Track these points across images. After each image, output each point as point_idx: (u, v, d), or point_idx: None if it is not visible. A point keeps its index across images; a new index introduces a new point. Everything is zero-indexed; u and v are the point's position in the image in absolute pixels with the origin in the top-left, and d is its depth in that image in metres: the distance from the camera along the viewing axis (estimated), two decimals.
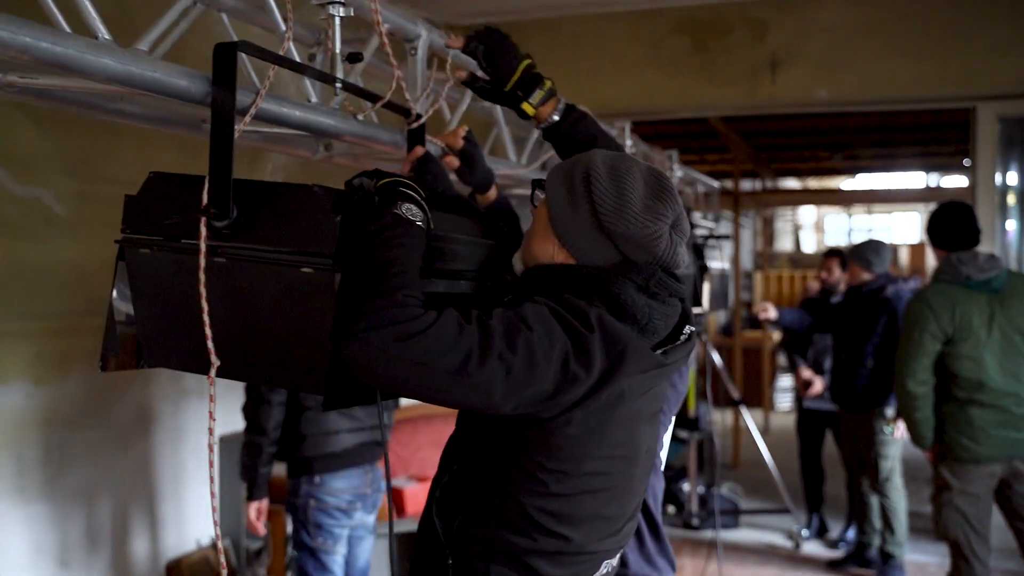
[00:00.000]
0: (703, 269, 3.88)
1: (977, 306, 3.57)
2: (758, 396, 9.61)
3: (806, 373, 5.66)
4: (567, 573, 1.50)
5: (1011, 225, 5.78)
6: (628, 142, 3.79)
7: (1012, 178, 5.77)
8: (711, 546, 5.80)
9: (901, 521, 4.97)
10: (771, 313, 5.71)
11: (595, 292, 1.45)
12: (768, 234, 15.02)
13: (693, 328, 1.59)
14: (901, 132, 7.78)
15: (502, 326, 1.35)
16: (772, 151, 9.08)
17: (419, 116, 1.93)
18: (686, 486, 6.15)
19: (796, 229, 17.16)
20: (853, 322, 5.04)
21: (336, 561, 3.19)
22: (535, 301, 1.43)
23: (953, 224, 3.72)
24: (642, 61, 5.79)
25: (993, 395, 3.55)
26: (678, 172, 4.29)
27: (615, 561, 1.60)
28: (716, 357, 5.52)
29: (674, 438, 7.00)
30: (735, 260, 8.34)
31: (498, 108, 2.91)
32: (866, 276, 5.06)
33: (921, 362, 3.57)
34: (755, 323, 10.44)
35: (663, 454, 1.91)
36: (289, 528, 3.21)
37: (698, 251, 3.95)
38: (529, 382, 1.35)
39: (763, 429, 9.35)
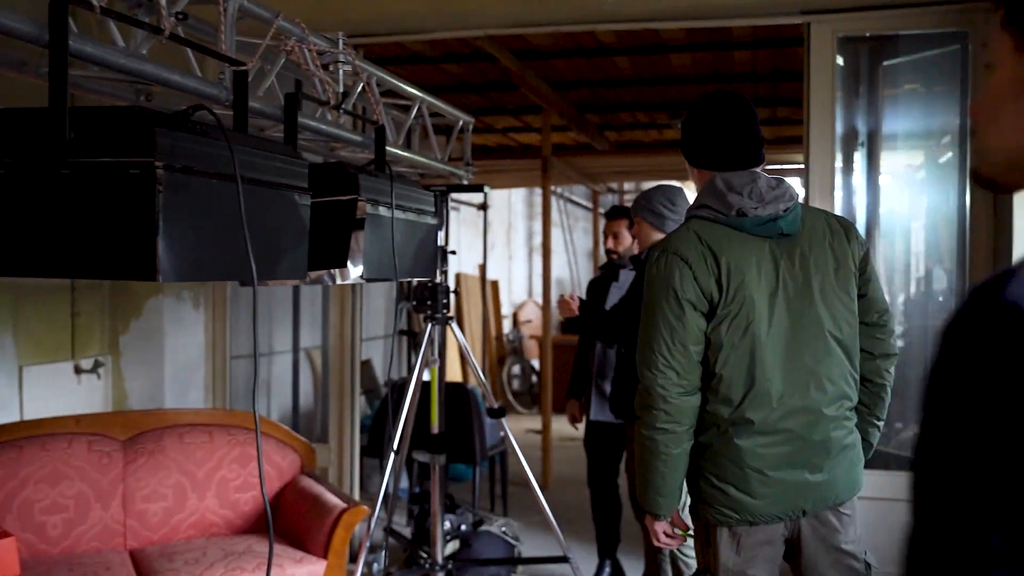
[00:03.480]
0: (342, 208, 2.39)
1: (756, 259, 2.20)
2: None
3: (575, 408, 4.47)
4: None
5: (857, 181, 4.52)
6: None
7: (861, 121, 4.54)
8: None
9: None
10: (575, 306, 4.27)
11: None
12: None
13: None
14: (740, 81, 6.49)
15: None
16: (600, 112, 7.72)
17: None
18: (449, 523, 4.70)
19: None
20: (636, 304, 3.67)
21: None
22: None
23: (718, 127, 2.33)
24: None
25: (774, 411, 2.17)
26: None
27: None
28: (471, 356, 4.07)
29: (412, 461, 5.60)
30: (545, 236, 6.94)
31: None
32: (656, 237, 3.70)
33: (683, 349, 2.17)
34: None
35: None
36: None
37: (345, 180, 2.46)
38: None
39: None
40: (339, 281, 3.11)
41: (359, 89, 2.93)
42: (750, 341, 2.15)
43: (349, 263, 2.87)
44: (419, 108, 3.59)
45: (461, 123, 3.94)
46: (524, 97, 6.88)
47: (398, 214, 2.68)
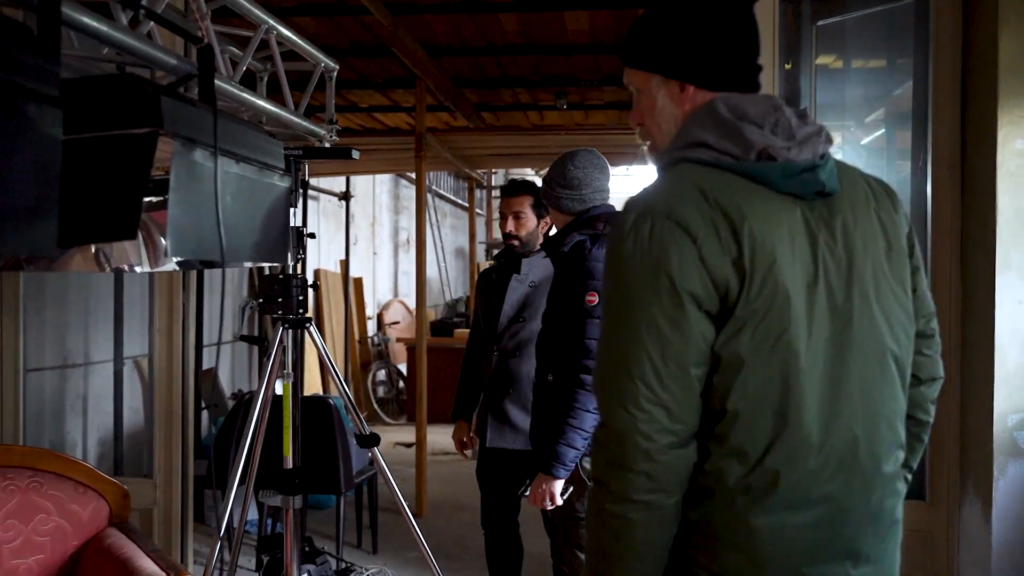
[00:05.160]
0: (131, 147, 1.49)
1: (788, 230, 1.41)
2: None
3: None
4: None
5: None
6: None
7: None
8: None
9: None
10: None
11: None
12: None
13: None
14: None
15: None
16: (479, 88, 6.89)
17: None
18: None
19: None
20: (552, 303, 2.89)
21: None
22: None
23: (722, 21, 1.50)
24: None
25: (811, 470, 1.39)
26: None
27: None
28: (334, 368, 3.18)
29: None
30: (419, 226, 6.07)
31: None
32: (563, 219, 2.93)
33: (679, 373, 1.35)
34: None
35: None
36: None
37: (138, 103, 1.56)
38: None
39: None
40: (146, 268, 2.19)
41: None
42: (782, 359, 1.36)
43: (163, 238, 1.96)
44: (266, 41, 2.69)
45: (323, 67, 3.04)
46: (394, 68, 6.01)
47: (230, 166, 1.78)
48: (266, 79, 3.03)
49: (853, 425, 1.41)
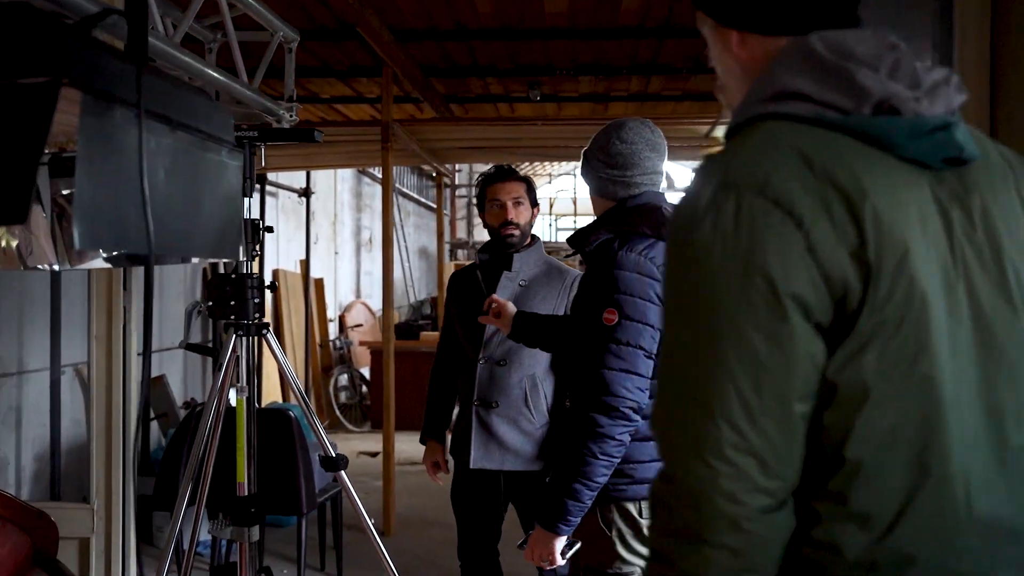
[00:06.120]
0: (23, 100, 1.11)
1: (918, 207, 1.03)
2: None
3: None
4: None
5: None
6: None
7: None
8: None
9: None
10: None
11: None
12: None
13: None
14: (622, 37, 5.45)
15: None
16: (447, 77, 6.51)
17: None
18: None
19: None
20: (574, 313, 2.46)
21: None
22: None
23: None
24: None
25: (962, 540, 1.00)
26: None
27: None
28: (295, 380, 2.79)
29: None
30: (385, 224, 5.68)
31: None
32: (603, 206, 2.39)
33: (779, 408, 0.97)
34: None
35: None
36: None
37: (32, 42, 1.18)
38: None
39: None
40: (65, 265, 1.80)
41: None
42: (921, 388, 0.99)
43: (76, 227, 1.56)
44: (215, 3, 2.30)
45: (280, 36, 2.65)
46: (359, 54, 5.63)
47: (161, 133, 1.40)
48: (216, 50, 2.65)
49: (1014, 476, 1.05)
